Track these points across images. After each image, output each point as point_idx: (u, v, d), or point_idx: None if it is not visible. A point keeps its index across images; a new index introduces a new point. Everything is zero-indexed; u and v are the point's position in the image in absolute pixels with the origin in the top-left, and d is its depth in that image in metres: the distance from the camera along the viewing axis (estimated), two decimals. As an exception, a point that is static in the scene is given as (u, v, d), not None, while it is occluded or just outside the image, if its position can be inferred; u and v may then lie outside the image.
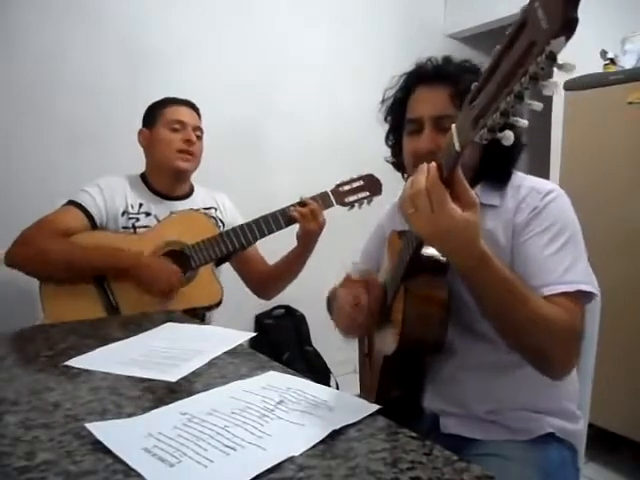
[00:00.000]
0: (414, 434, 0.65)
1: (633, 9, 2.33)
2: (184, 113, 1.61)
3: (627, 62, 2.14)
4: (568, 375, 0.91)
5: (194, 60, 2.43)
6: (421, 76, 1.02)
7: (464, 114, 0.65)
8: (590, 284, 0.90)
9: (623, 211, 2.02)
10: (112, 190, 1.55)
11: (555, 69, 0.51)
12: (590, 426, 1.11)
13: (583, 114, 2.15)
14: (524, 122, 0.58)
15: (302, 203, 1.54)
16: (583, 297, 0.89)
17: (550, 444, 0.96)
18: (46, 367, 0.93)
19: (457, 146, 0.66)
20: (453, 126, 0.68)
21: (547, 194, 0.95)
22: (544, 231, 0.92)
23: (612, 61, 2.17)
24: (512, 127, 0.58)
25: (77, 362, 0.93)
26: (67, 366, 0.92)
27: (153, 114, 1.62)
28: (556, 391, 0.98)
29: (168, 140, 1.57)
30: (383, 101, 1.09)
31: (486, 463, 0.82)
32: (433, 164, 0.72)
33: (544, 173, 2.52)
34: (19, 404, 0.76)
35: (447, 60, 1.02)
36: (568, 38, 0.47)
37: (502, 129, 0.58)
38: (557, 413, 0.99)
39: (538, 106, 0.56)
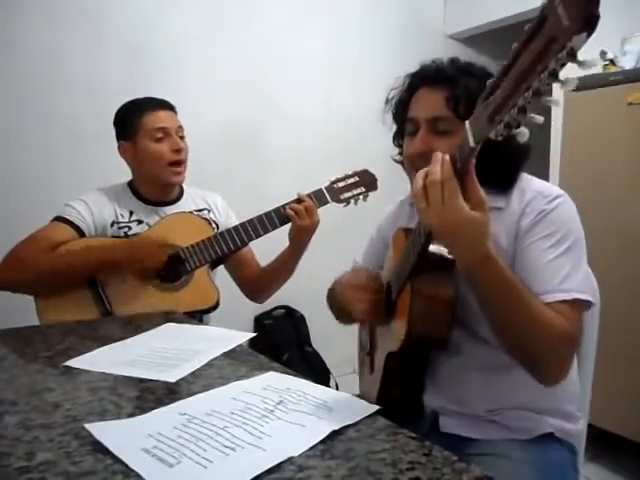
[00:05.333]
0: (414, 434, 0.65)
1: (633, 10, 2.33)
2: (163, 118, 1.52)
3: (627, 63, 2.14)
4: (557, 384, 0.91)
5: (194, 60, 2.43)
6: (423, 77, 1.02)
7: (479, 110, 0.65)
8: (587, 293, 0.89)
9: (623, 211, 2.01)
10: (99, 203, 1.51)
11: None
12: (590, 426, 1.11)
13: (583, 115, 2.15)
14: (540, 118, 0.58)
15: (298, 200, 1.52)
16: (581, 305, 0.89)
17: (550, 444, 0.96)
18: (46, 367, 0.93)
19: (471, 142, 0.67)
20: (467, 122, 0.68)
21: (554, 199, 0.93)
22: (547, 236, 0.91)
23: (612, 62, 2.17)
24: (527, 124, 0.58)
25: (77, 362, 0.93)
26: (67, 366, 0.92)
27: (130, 124, 1.52)
28: (556, 391, 0.98)
29: (156, 154, 1.50)
30: (387, 101, 1.10)
31: (485, 462, 0.82)
32: (447, 156, 0.73)
33: (544, 173, 2.51)
34: (19, 404, 0.76)
35: (451, 62, 1.02)
36: (589, 35, 0.47)
37: (518, 125, 0.59)
38: (557, 413, 0.99)
39: (555, 102, 0.56)
